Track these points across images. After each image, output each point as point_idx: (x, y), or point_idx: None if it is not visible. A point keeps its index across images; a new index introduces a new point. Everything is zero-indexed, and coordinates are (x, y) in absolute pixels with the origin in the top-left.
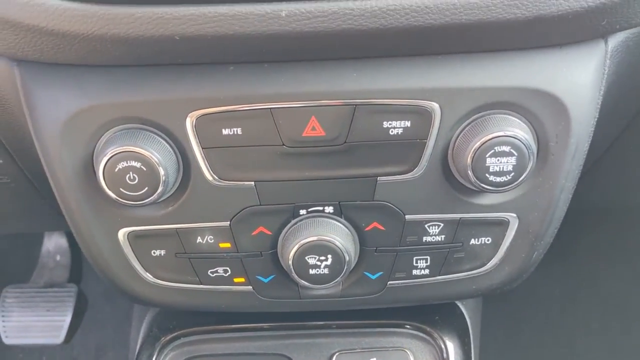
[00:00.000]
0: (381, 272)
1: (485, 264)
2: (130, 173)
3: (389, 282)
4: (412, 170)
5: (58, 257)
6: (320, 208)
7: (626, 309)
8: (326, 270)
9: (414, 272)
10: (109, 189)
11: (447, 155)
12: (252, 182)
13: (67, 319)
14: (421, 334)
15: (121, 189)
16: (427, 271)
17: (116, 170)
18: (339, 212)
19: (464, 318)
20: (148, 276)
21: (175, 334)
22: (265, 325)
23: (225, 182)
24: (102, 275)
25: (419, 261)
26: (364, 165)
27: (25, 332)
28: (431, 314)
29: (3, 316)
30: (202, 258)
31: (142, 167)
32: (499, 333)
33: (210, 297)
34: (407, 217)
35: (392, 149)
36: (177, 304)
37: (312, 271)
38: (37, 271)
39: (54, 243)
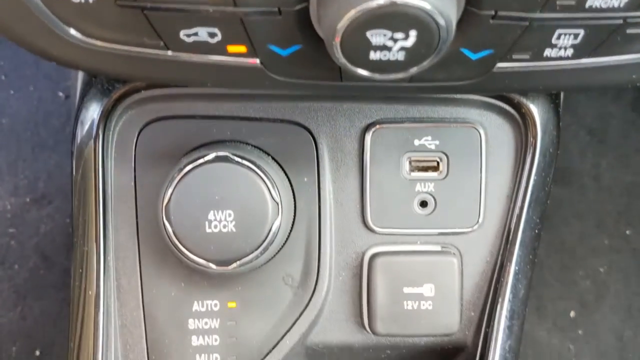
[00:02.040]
0: (490, 51)
1: None
2: None
3: (498, 65)
4: None
5: None
6: None
7: None
8: (401, 56)
9: (548, 52)
10: None
11: None
12: None
13: None
14: (501, 104)
15: None
16: (570, 52)
17: None
18: None
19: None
20: (72, 33)
21: (133, 85)
22: None
23: None
24: None
25: (562, 37)
26: None
27: None
28: None
29: None
30: (167, 11)
31: None
32: None
33: (186, 70)
34: None
35: None
36: (131, 76)
37: (375, 55)
38: None
39: None
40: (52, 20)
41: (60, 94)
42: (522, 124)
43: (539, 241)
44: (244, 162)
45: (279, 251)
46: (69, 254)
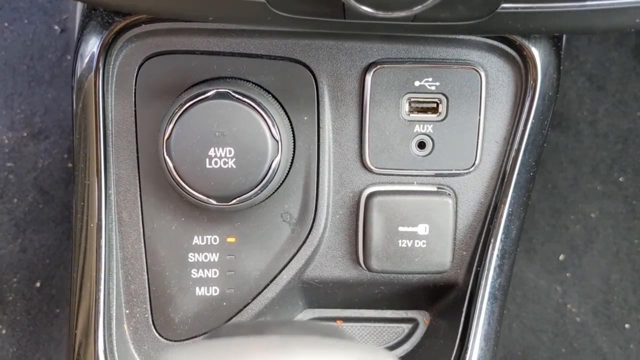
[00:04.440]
0: None
1: None
2: None
3: (502, 5)
4: None
5: None
6: None
7: None
8: None
9: None
10: None
11: None
12: None
13: None
14: (503, 46)
15: None
16: None
17: None
18: None
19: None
20: None
21: (134, 19)
22: None
23: None
24: None
25: None
26: None
27: None
28: None
29: None
30: None
31: None
32: None
33: (188, 3)
34: None
35: None
36: (132, 8)
37: None
38: None
39: None
40: None
41: (56, 27)
42: (522, 66)
43: (533, 183)
44: (245, 99)
45: (277, 188)
46: (68, 189)
